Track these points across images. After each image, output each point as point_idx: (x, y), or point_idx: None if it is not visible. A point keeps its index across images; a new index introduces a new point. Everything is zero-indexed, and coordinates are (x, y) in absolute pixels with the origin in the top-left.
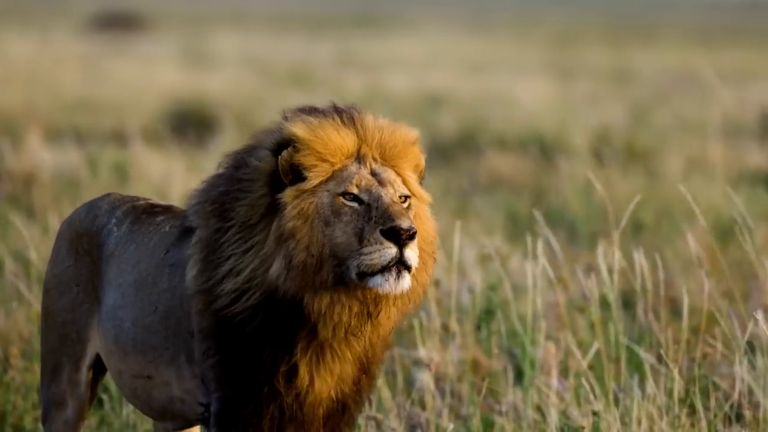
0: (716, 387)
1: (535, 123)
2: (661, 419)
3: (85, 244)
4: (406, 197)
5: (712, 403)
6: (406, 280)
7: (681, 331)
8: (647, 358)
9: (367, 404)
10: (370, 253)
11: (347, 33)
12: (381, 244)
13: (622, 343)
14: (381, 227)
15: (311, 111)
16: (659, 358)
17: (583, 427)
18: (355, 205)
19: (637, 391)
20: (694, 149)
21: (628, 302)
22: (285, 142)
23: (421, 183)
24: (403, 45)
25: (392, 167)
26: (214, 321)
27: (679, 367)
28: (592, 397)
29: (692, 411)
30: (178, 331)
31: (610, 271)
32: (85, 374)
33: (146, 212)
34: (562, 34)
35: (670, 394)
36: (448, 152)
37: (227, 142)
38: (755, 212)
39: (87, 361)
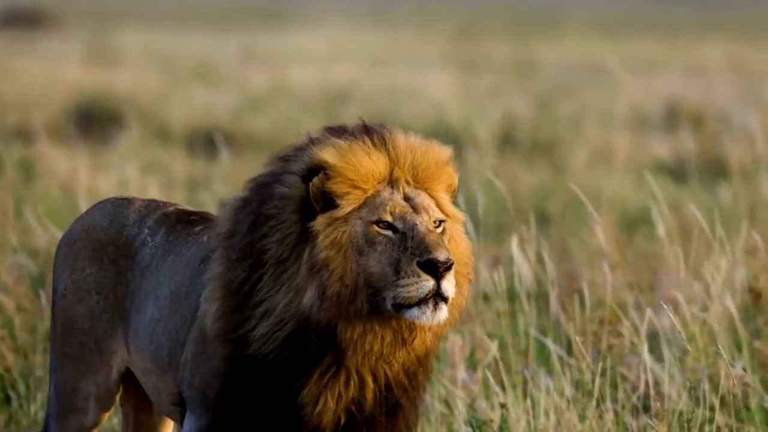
0: (624, 378)
1: (441, 116)
2: (569, 411)
3: (111, 254)
4: (441, 222)
5: (620, 394)
6: (443, 312)
7: (588, 323)
8: (555, 349)
9: None
10: (407, 285)
11: (251, 28)
12: (418, 276)
13: (531, 336)
14: (418, 259)
15: (340, 132)
16: (567, 350)
17: (491, 420)
18: (389, 233)
19: (545, 383)
20: (599, 140)
21: (535, 294)
22: (315, 168)
23: (453, 201)
24: (307, 39)
25: (425, 189)
26: (236, 366)
27: (587, 359)
28: (499, 389)
29: (600, 402)
30: None
31: (528, 262)
32: (111, 387)
33: (181, 221)
34: (465, 26)
35: (578, 385)
36: None
37: (132, 138)
38: (663, 202)
39: (113, 375)
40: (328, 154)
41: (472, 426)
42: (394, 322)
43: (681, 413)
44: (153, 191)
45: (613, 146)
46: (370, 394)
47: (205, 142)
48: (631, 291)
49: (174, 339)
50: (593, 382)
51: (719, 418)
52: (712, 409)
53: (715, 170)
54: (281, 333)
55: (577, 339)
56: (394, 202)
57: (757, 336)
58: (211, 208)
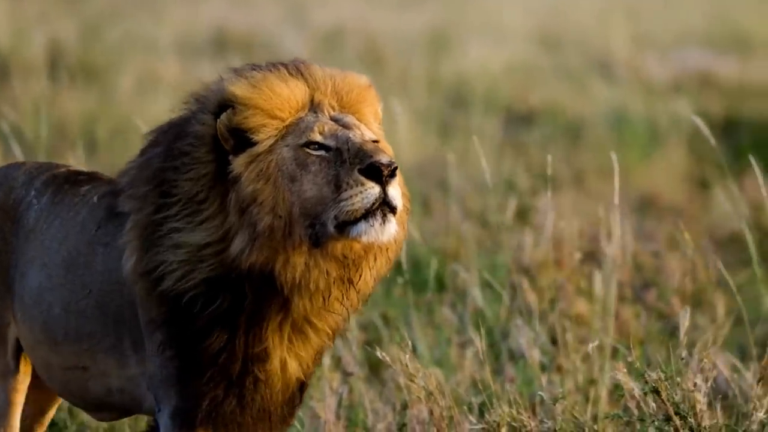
0: None
1: None
2: None
3: None
4: (375, 141)
5: None
6: (393, 225)
7: None
8: None
9: None
10: (351, 197)
11: None
12: (362, 185)
13: None
14: (359, 166)
15: (252, 68)
16: None
17: None
18: (322, 153)
19: None
20: (146, 66)
21: None
22: (225, 104)
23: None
24: None
25: (353, 114)
26: (164, 308)
27: None
28: None
29: None
30: (120, 318)
31: None
32: (9, 362)
33: (68, 181)
34: None
35: None
36: None
37: None
38: None
39: (9, 348)
40: (236, 87)
41: None
42: (339, 251)
43: None
44: None
45: (160, 72)
46: (323, 344)
47: None
48: None
49: (71, 309)
50: None
51: None
52: None
53: None
54: (198, 275)
55: None
56: (321, 122)
57: None
58: None
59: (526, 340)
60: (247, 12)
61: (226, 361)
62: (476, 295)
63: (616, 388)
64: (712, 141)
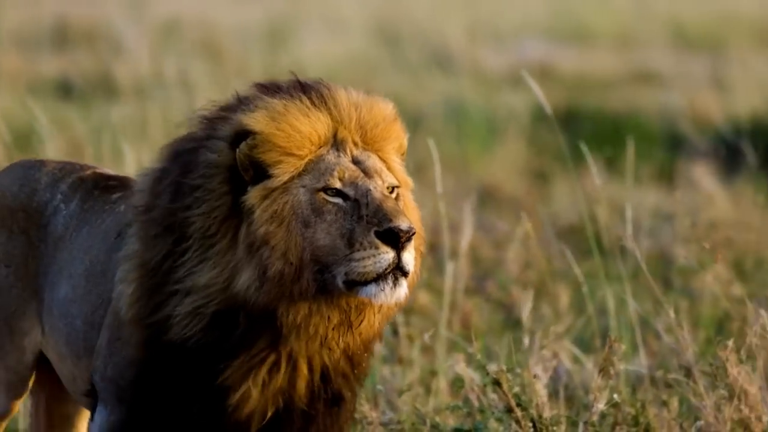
0: None
1: None
2: None
3: (21, 222)
4: (394, 188)
5: None
6: (403, 288)
7: None
8: None
9: None
10: (363, 259)
11: None
12: (376, 248)
13: None
14: (376, 228)
15: (274, 91)
16: None
17: None
18: (339, 201)
19: None
20: None
21: None
22: (243, 133)
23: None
24: None
25: (375, 151)
26: (153, 353)
27: None
28: None
29: None
30: None
31: None
32: (23, 372)
33: (98, 187)
34: None
35: None
36: None
37: None
38: (51, 121)
39: (26, 358)
40: (254, 120)
41: None
42: (343, 301)
43: None
44: None
45: (1, 64)
46: (302, 384)
47: None
48: None
49: (89, 321)
50: None
51: None
52: None
53: (106, 89)
54: (206, 310)
55: None
56: (342, 167)
57: None
58: None
59: None
60: (88, 4)
61: (186, 397)
62: None
63: (457, 380)
64: (549, 110)
